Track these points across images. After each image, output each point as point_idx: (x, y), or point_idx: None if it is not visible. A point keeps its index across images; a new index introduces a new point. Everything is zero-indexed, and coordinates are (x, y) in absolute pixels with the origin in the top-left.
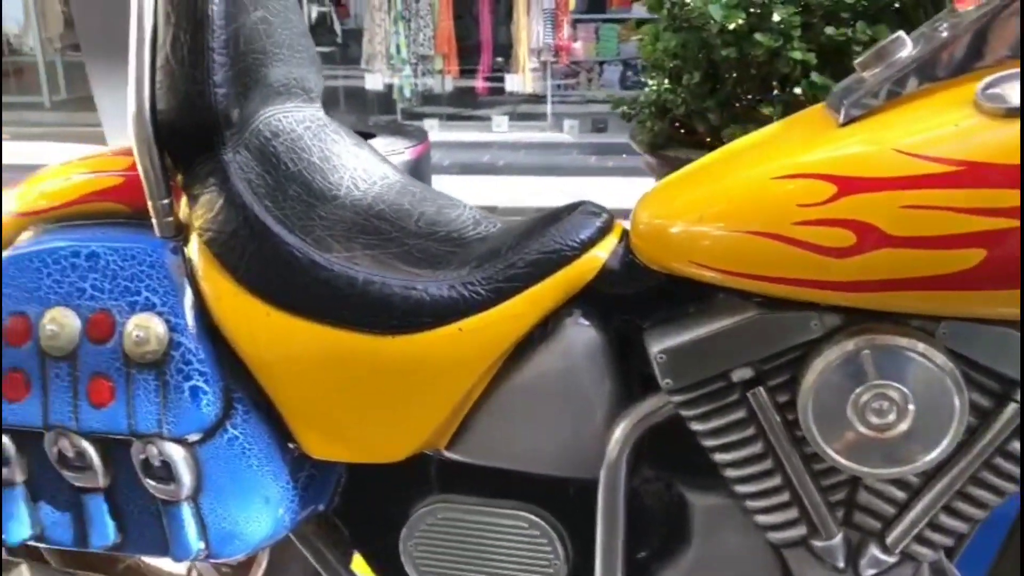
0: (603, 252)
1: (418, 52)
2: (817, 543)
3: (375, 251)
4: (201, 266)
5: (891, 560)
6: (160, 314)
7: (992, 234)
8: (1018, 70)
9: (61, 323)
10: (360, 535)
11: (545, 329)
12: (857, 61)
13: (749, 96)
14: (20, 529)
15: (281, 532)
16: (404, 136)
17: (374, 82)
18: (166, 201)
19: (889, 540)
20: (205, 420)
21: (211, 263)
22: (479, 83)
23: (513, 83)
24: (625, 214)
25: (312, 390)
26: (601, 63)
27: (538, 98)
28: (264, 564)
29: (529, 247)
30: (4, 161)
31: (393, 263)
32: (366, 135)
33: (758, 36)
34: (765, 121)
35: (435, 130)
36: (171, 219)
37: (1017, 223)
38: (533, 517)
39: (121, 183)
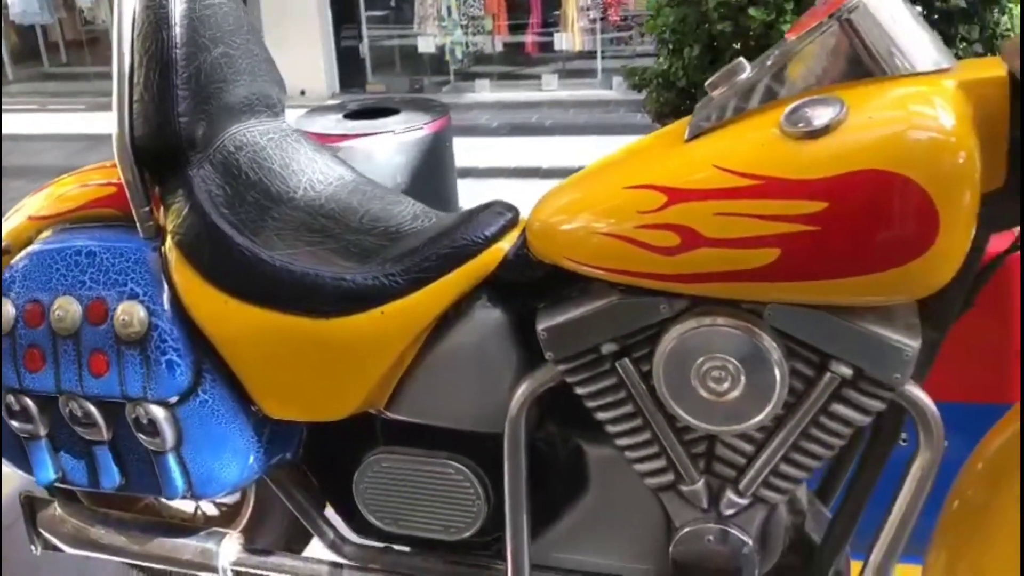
0: (506, 245)
1: (468, 13)
2: (684, 488)
3: (315, 247)
4: (173, 262)
5: (744, 502)
6: (142, 302)
7: (784, 236)
8: (815, 97)
9: (67, 309)
10: (322, 480)
11: (459, 310)
12: (708, 82)
13: None
14: (47, 472)
15: (253, 476)
16: (425, 111)
17: (426, 44)
18: (146, 208)
19: (742, 486)
20: (180, 386)
21: (181, 260)
22: (529, 42)
23: (562, 41)
24: None
25: (264, 363)
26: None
27: (590, 55)
28: (251, 503)
29: (441, 243)
30: (87, 131)
31: (329, 257)
32: (390, 111)
33: (752, 11)
34: None
35: (486, 90)
36: (151, 223)
37: (804, 227)
38: (459, 465)
39: (116, 192)
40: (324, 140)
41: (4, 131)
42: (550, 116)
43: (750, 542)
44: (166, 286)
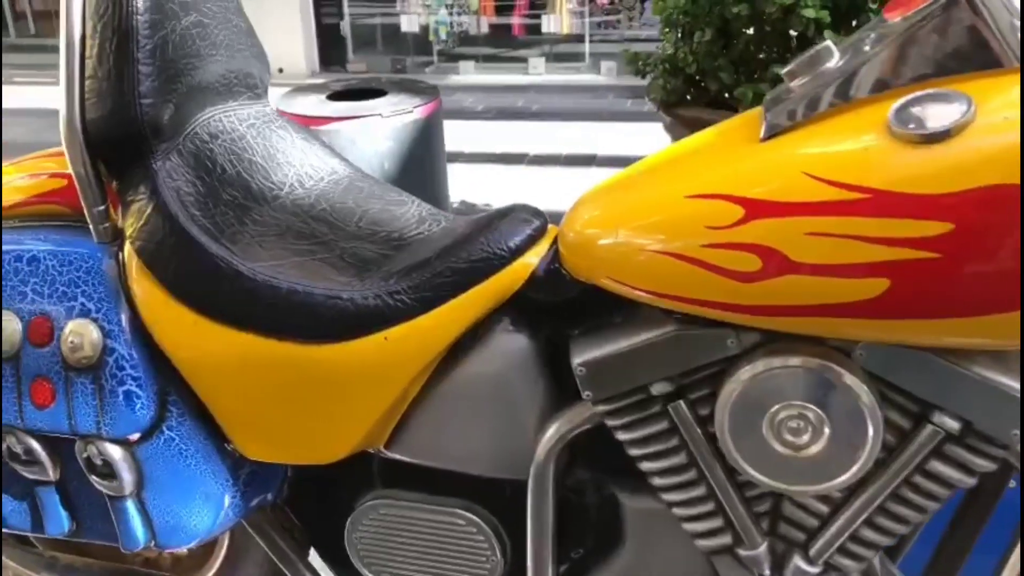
0: (534, 259)
1: None
2: (742, 552)
3: (304, 257)
4: (133, 273)
5: (815, 571)
6: (95, 320)
7: (896, 264)
8: (932, 91)
9: (3, 326)
10: (309, 526)
11: (476, 335)
12: (785, 70)
13: (762, 55)
14: None
15: (227, 524)
16: (415, 94)
17: (409, 23)
18: (102, 207)
19: (812, 552)
20: (140, 423)
21: (142, 271)
22: (515, 24)
23: (549, 23)
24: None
25: (241, 396)
26: (643, 0)
27: (578, 38)
28: (224, 548)
29: (457, 255)
30: (55, 106)
31: (321, 270)
32: (377, 92)
33: None
34: (778, 80)
35: (471, 72)
36: (107, 225)
37: (922, 254)
38: (470, 515)
39: (65, 186)
40: (305, 123)
41: None
42: (537, 100)
43: None
44: (124, 302)
